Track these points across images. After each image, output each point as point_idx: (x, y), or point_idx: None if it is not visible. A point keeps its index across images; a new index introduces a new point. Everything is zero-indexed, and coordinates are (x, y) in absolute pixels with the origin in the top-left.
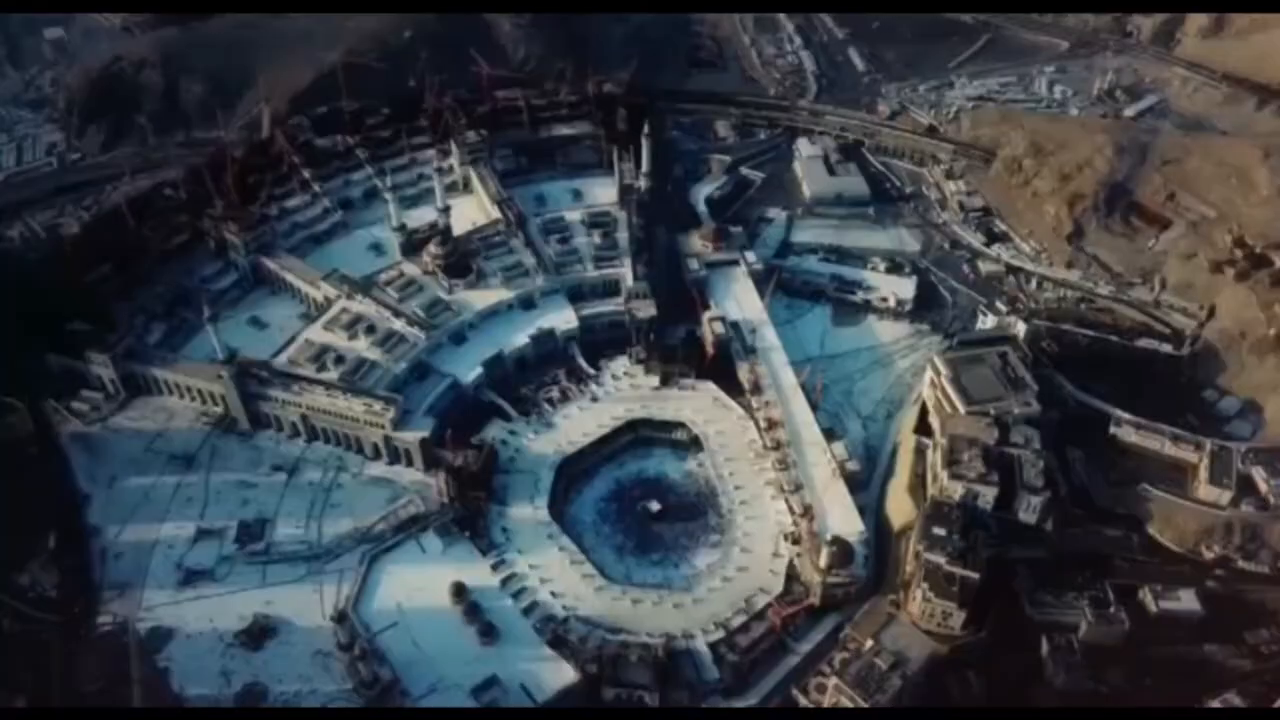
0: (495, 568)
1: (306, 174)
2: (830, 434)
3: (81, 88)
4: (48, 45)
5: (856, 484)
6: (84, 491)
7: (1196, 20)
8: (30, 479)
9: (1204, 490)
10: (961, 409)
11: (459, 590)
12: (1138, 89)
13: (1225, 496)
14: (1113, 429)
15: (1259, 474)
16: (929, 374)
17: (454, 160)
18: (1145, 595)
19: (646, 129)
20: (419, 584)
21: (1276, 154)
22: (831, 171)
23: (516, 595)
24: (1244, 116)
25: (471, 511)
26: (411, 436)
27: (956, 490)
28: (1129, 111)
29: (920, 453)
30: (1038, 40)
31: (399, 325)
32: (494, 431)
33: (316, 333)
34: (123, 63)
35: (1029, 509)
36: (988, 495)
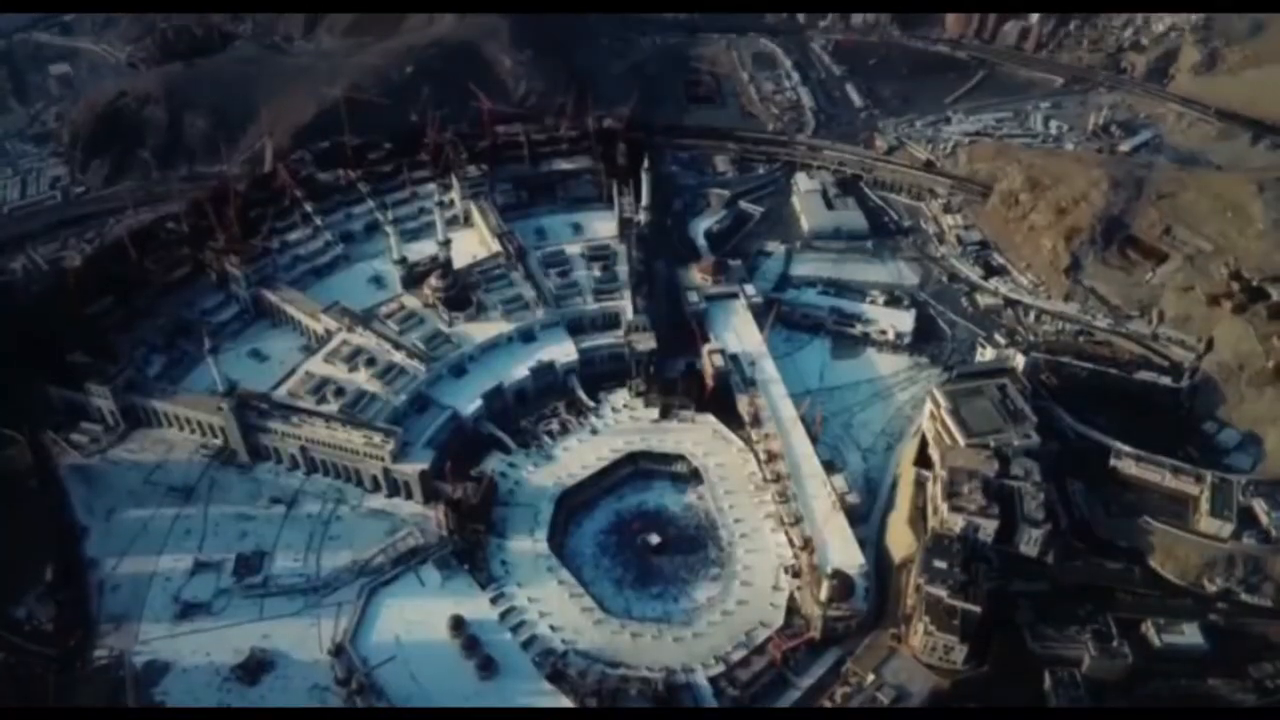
0: (494, 601)
1: (308, 207)
2: (830, 466)
3: (86, 122)
4: (53, 81)
5: (857, 516)
6: (82, 524)
7: (1189, 57)
8: (28, 511)
9: (1205, 523)
10: (961, 441)
11: (458, 624)
12: (1132, 124)
13: (1227, 529)
14: (1113, 461)
15: (1260, 506)
16: (928, 406)
17: (455, 194)
18: (1148, 629)
19: (646, 163)
20: (417, 617)
21: (1271, 188)
22: (830, 205)
23: (516, 629)
24: (1238, 151)
25: (471, 544)
26: (411, 469)
27: (957, 523)
28: (1124, 146)
29: (920, 485)
30: (1033, 76)
31: (399, 358)
32: (493, 464)
33: (317, 365)
34: (127, 98)
35: (1030, 541)
36: (988, 528)
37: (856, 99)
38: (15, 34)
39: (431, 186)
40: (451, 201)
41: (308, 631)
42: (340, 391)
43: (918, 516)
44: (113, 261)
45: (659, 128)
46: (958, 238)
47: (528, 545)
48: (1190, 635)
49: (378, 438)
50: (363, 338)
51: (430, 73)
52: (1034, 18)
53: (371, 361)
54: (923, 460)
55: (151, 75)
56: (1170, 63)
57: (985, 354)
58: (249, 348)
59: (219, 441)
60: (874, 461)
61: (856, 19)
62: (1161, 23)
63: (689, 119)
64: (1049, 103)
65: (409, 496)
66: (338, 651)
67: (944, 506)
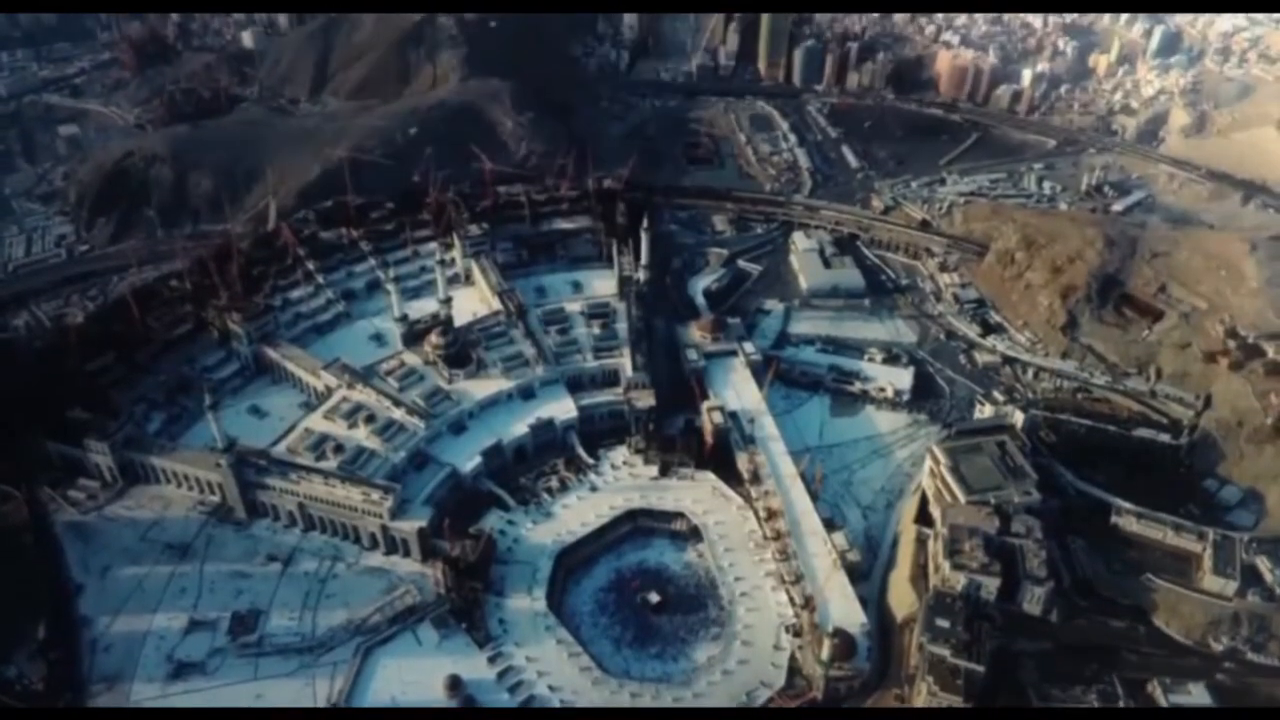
0: (492, 660)
1: (310, 265)
2: (830, 524)
3: (93, 181)
4: (62, 141)
5: (858, 575)
6: (76, 581)
7: (1179, 119)
8: (22, 568)
9: (1209, 581)
10: (962, 498)
11: (454, 683)
12: (1125, 185)
13: (1231, 587)
14: (1114, 518)
15: (1264, 564)
16: (928, 463)
17: (456, 253)
18: (1154, 688)
19: (645, 223)
20: (414, 677)
21: (1264, 246)
22: (827, 264)
23: (513, 689)
24: (1230, 211)
25: (468, 602)
26: (409, 526)
27: (959, 581)
28: (1117, 206)
29: (921, 543)
30: (1025, 139)
31: (399, 414)
32: (492, 521)
33: (316, 421)
34: (134, 158)
35: (1033, 600)
36: (990, 586)
37: (852, 160)
38: (26, 96)
39: (433, 245)
40: (453, 260)
41: (303, 691)
42: (339, 448)
43: (919, 574)
44: (115, 318)
45: (658, 188)
46: (955, 296)
47: (526, 603)
48: (1197, 695)
49: (376, 494)
50: (363, 394)
51: (433, 134)
52: (1025, 81)
53: (371, 418)
54: (923, 518)
55: (159, 136)
56: (1160, 125)
57: (984, 411)
58: (249, 404)
59: (216, 498)
60: (874, 519)
61: (852, 83)
62: (1150, 86)
63: (688, 180)
64: (1042, 164)
65: (407, 554)
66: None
67: (946, 564)
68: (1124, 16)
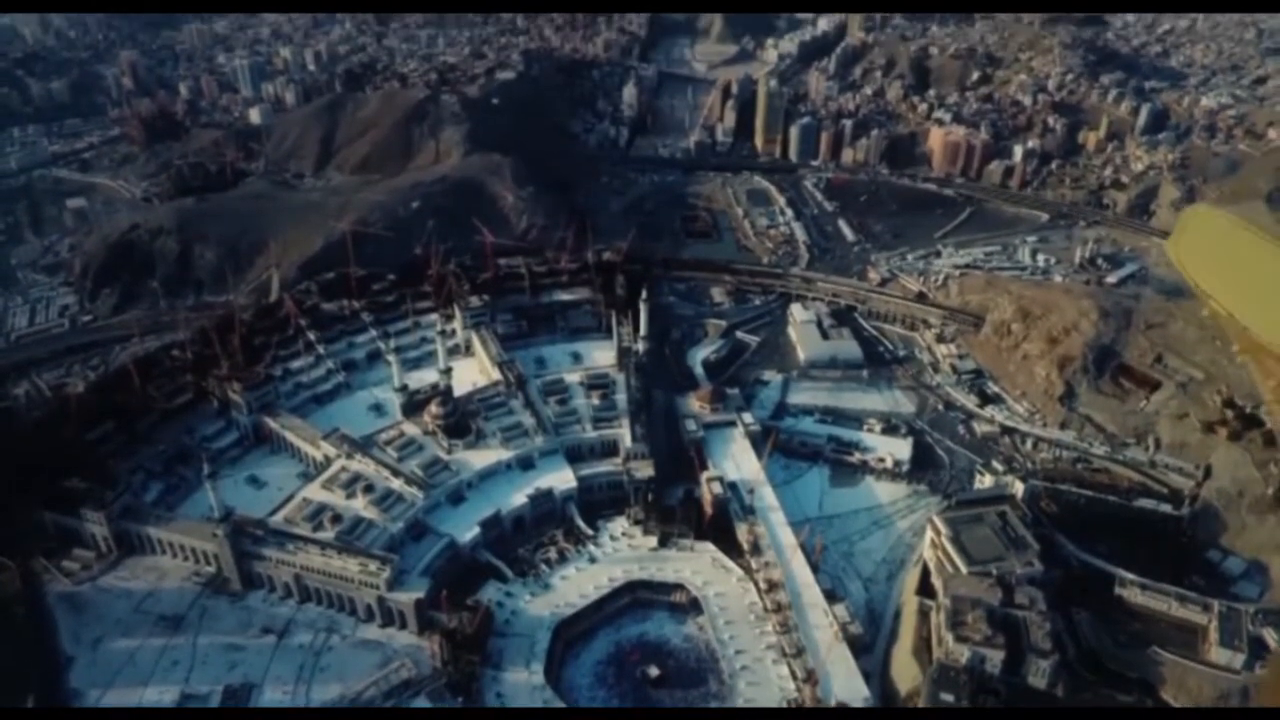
0: None
1: (312, 336)
2: (832, 596)
3: (98, 253)
4: (69, 214)
5: (860, 647)
6: (68, 653)
7: (1169, 194)
8: (13, 640)
9: (1215, 653)
10: (964, 569)
11: None
12: (1117, 257)
13: (1238, 659)
14: (1118, 590)
15: (1271, 635)
16: (929, 534)
17: (457, 324)
18: None
19: (644, 294)
20: None
21: None
22: (825, 335)
23: None
24: None
25: (465, 676)
26: (406, 597)
27: (962, 653)
28: (1111, 278)
29: (924, 614)
30: (1018, 213)
31: (397, 484)
32: (490, 593)
33: (314, 491)
34: (140, 230)
35: (1039, 673)
36: (995, 658)
37: (849, 234)
38: (36, 170)
39: (434, 316)
40: (453, 331)
41: None
42: (337, 518)
43: (922, 647)
44: (116, 388)
45: (657, 260)
46: (952, 367)
47: (524, 677)
48: None
49: (373, 565)
50: (361, 464)
51: (435, 208)
52: (1017, 157)
53: (370, 488)
54: (925, 589)
55: (165, 209)
56: (1150, 199)
57: (984, 481)
58: (247, 474)
59: (212, 569)
60: (876, 591)
61: (847, 158)
62: (1140, 162)
63: (686, 252)
64: (1035, 237)
65: (403, 626)
66: None
67: (949, 636)
68: (1111, 95)
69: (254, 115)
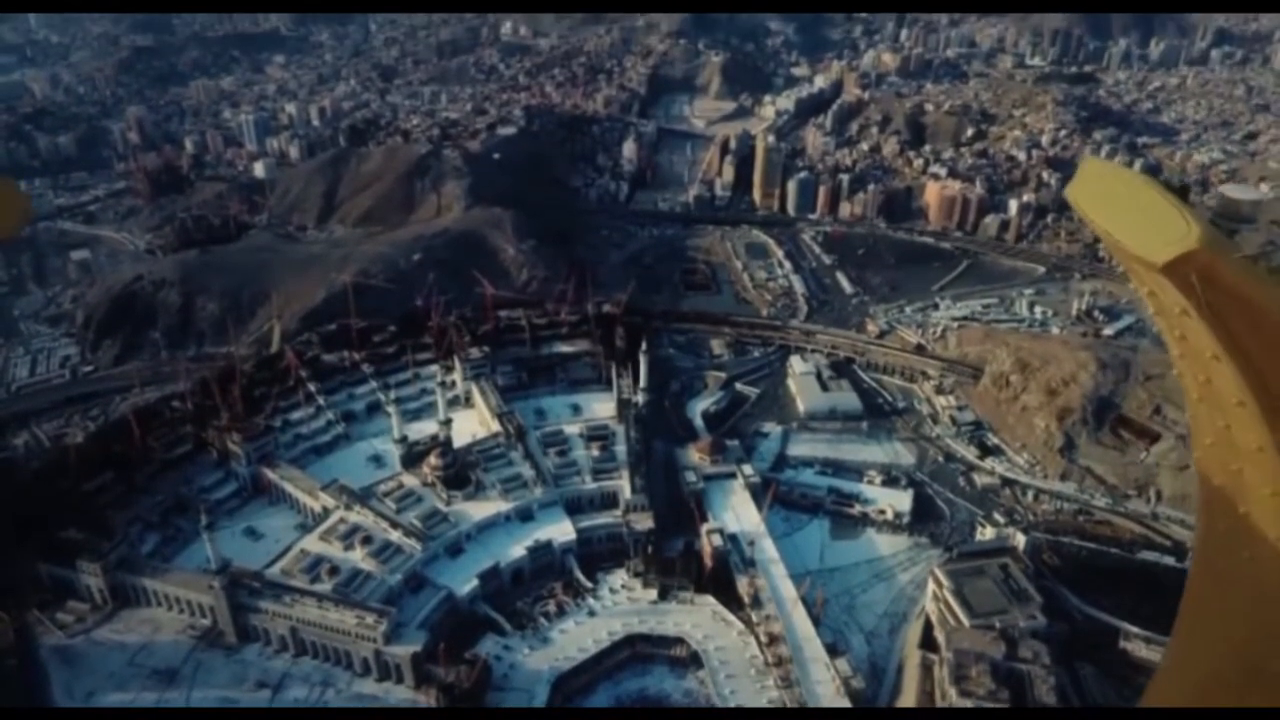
0: None
1: (312, 387)
2: (833, 649)
3: (101, 304)
4: (73, 265)
5: (862, 702)
6: (59, 708)
7: None
8: (4, 694)
9: None
10: (966, 622)
11: None
12: (1114, 309)
13: None
14: (1123, 643)
15: None
16: (931, 586)
17: (457, 375)
18: None
19: (644, 346)
20: None
21: None
22: (825, 387)
23: None
24: None
25: None
26: (403, 651)
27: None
28: (1108, 330)
29: (927, 668)
30: (1015, 265)
31: (396, 536)
32: (488, 646)
33: (312, 543)
34: (143, 281)
35: None
36: None
37: (847, 286)
38: (41, 222)
39: (434, 368)
40: (453, 382)
41: None
42: (335, 570)
43: (925, 701)
44: (115, 438)
45: (656, 313)
46: (951, 418)
47: None
48: None
49: (370, 618)
50: (360, 515)
51: (437, 260)
52: (1012, 211)
53: (368, 540)
54: (928, 643)
55: (168, 261)
56: None
57: (985, 533)
58: (245, 525)
59: (207, 622)
60: (878, 644)
61: (844, 212)
62: None
63: (685, 305)
64: (1032, 289)
65: (400, 680)
66: None
67: (952, 691)
68: (1104, 150)
69: (258, 169)
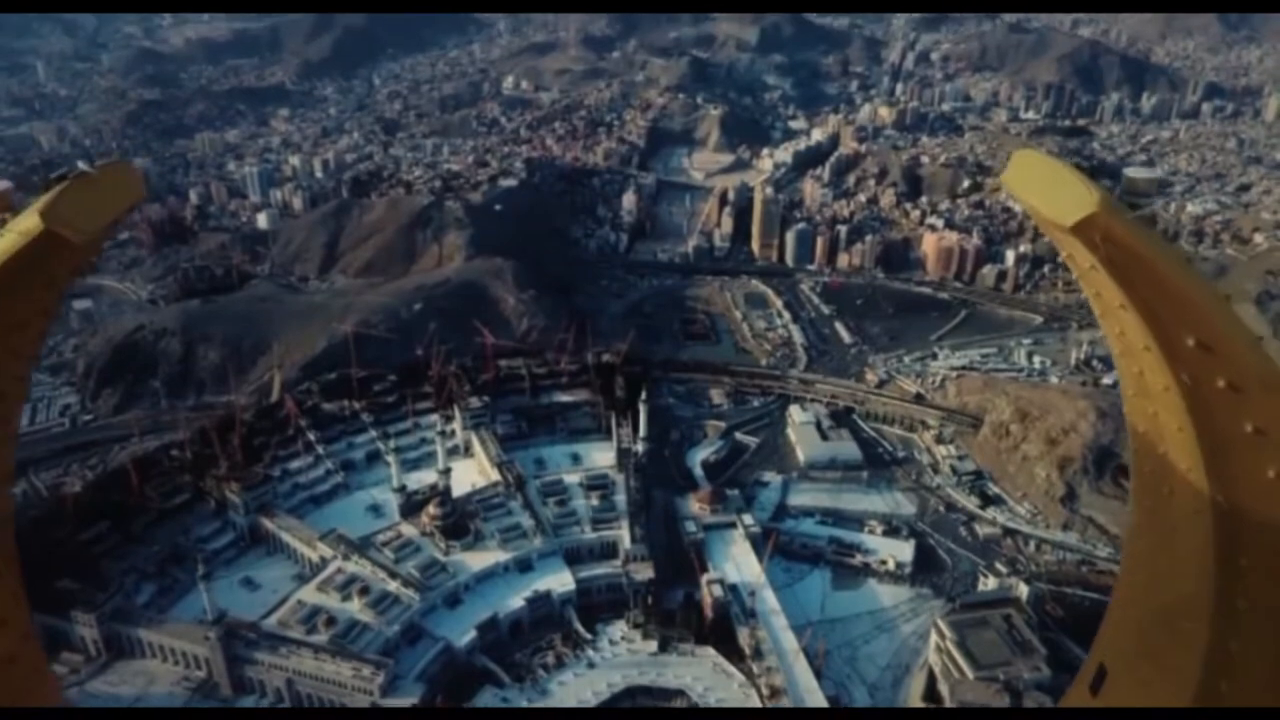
0: None
1: (311, 436)
2: (836, 702)
3: (102, 353)
4: (75, 315)
5: None
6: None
7: None
8: None
9: None
10: (970, 674)
11: None
12: (1112, 359)
13: None
14: None
15: None
16: (934, 638)
17: (456, 424)
18: None
19: (644, 395)
20: None
21: None
22: (824, 437)
23: None
24: None
25: None
26: (400, 704)
27: None
28: (1107, 379)
29: None
30: (1013, 315)
31: (394, 586)
32: (486, 699)
33: (309, 593)
34: (145, 331)
35: None
36: None
37: (846, 336)
38: None
39: (434, 417)
40: (453, 431)
41: None
42: (332, 621)
43: None
44: (113, 487)
45: (656, 362)
46: (952, 468)
47: None
48: None
49: (367, 670)
50: (358, 566)
51: (437, 310)
52: (1009, 261)
53: (365, 590)
54: (932, 695)
55: (170, 311)
56: None
57: (988, 584)
58: (242, 576)
59: (202, 674)
60: (881, 697)
61: (842, 263)
62: None
63: (685, 354)
64: (1030, 339)
65: None
66: None
67: None
68: None
69: (261, 220)
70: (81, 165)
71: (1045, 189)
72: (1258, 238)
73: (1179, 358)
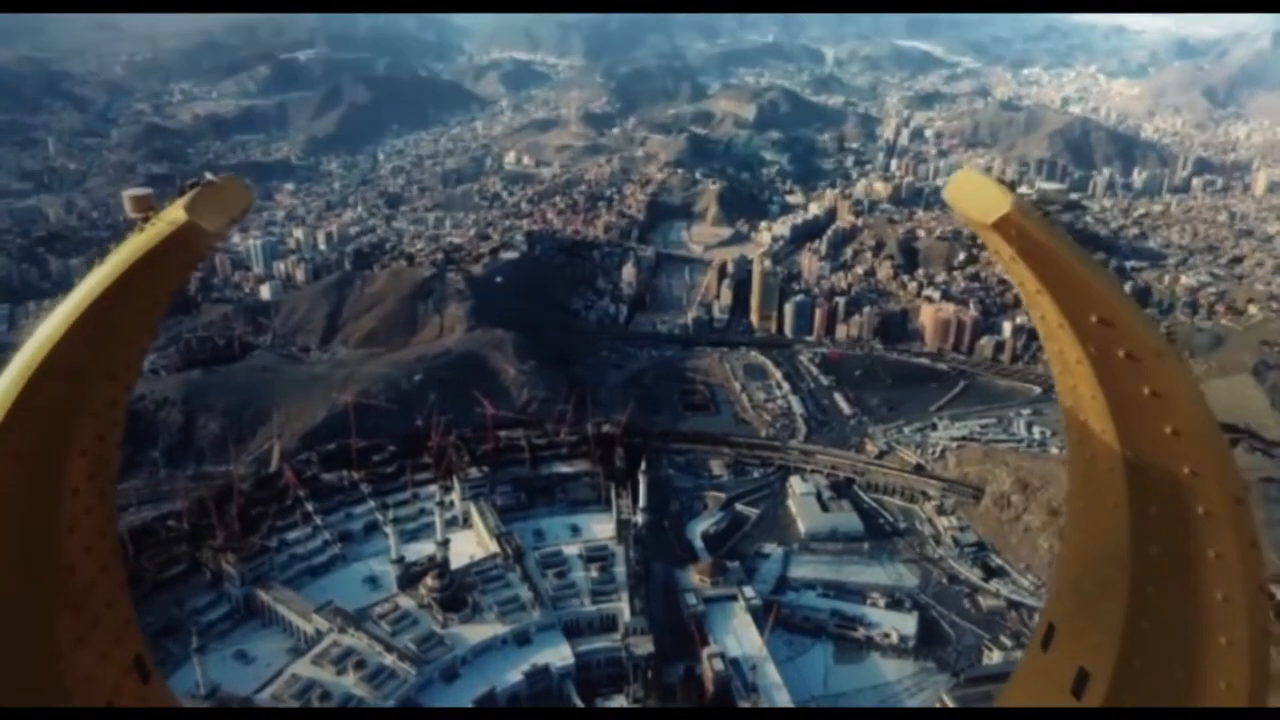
0: None
1: (310, 507)
2: None
3: None
4: None
5: None
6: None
7: None
8: None
9: None
10: None
11: None
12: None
13: None
14: None
15: None
16: None
17: (455, 495)
18: None
19: (644, 467)
20: None
21: (1257, 488)
22: (825, 508)
23: None
24: None
25: None
26: None
27: None
28: None
29: None
30: (1011, 385)
31: (390, 660)
32: None
33: (304, 667)
34: (145, 401)
35: None
36: None
37: (845, 407)
38: None
39: (433, 488)
40: (452, 503)
41: None
42: (326, 696)
43: None
44: None
45: (656, 433)
46: (954, 539)
47: None
48: None
49: None
50: (354, 639)
51: (438, 381)
52: (1007, 333)
53: (361, 664)
54: None
55: (171, 380)
56: None
57: (993, 657)
58: (235, 649)
59: None
60: None
61: (841, 334)
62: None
63: (685, 425)
64: (1030, 410)
65: None
66: None
67: None
68: None
69: (265, 291)
70: (209, 175)
71: (972, 196)
72: (1252, 309)
73: (1086, 333)
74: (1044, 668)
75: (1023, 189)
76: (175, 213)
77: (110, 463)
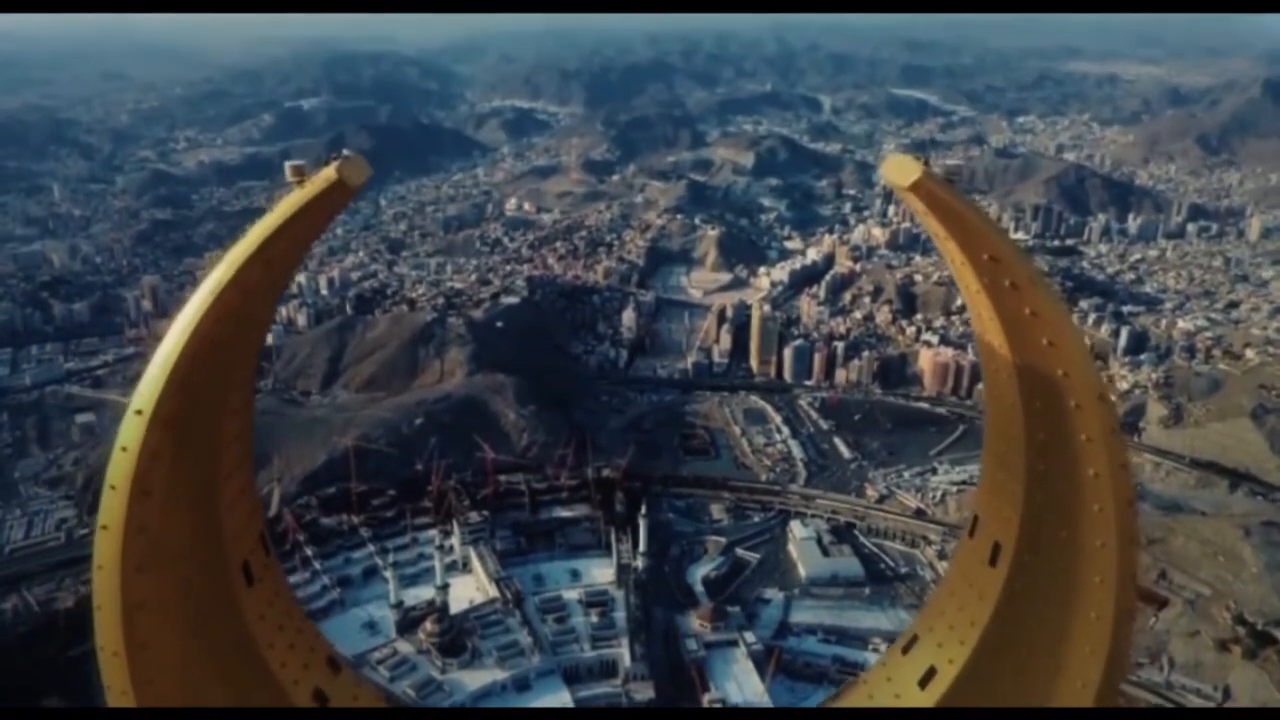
0: None
1: (309, 551)
2: None
3: (103, 466)
4: (77, 429)
5: None
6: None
7: (1156, 411)
8: None
9: None
10: None
11: None
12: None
13: None
14: None
15: None
16: None
17: (455, 540)
18: None
19: (644, 511)
20: None
21: (1258, 532)
22: (826, 552)
23: None
24: (1219, 498)
25: None
26: None
27: None
28: None
29: None
30: None
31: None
32: None
33: None
34: None
35: None
36: None
37: (845, 451)
38: (49, 386)
39: (432, 532)
40: (451, 547)
41: None
42: None
43: None
44: None
45: (656, 477)
46: None
47: None
48: None
49: None
50: None
51: (438, 425)
52: None
53: None
54: None
55: None
56: (1139, 417)
57: None
58: None
59: None
60: None
61: (840, 379)
62: (1124, 381)
63: (685, 470)
64: None
65: None
66: None
67: None
68: (1090, 319)
69: (266, 336)
70: (346, 151)
71: (897, 169)
72: (1249, 353)
73: (980, 268)
74: (972, 548)
75: (935, 168)
76: (329, 173)
77: (249, 455)
